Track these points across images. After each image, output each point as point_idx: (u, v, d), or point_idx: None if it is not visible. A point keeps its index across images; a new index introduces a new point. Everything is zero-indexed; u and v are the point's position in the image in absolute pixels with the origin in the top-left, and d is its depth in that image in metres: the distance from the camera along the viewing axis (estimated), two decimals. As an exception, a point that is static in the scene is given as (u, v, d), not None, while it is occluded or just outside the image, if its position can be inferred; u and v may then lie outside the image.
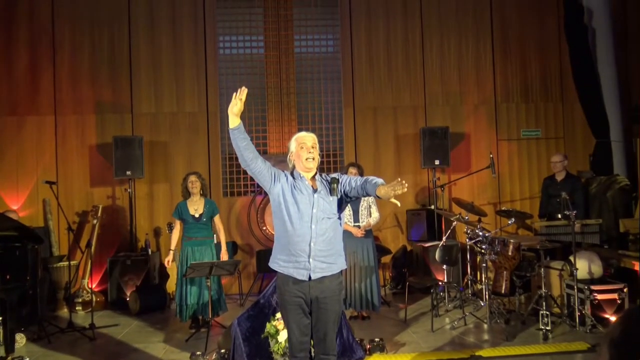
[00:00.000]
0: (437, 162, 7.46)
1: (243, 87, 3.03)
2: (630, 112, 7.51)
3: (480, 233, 5.76)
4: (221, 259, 5.58)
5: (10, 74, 7.57)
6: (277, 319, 4.27)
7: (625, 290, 5.29)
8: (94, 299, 6.57)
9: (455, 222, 6.14)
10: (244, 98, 3.02)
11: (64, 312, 6.58)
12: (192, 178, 5.78)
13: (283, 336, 4.14)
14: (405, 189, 2.80)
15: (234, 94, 3.01)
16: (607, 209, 6.84)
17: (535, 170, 8.06)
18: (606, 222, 6.66)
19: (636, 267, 5.45)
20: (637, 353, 0.91)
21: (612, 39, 7.47)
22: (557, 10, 8.10)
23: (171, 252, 5.74)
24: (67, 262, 6.53)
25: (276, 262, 3.17)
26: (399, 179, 2.82)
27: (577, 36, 7.40)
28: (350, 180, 3.14)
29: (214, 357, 4.56)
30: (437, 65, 8.14)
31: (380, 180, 3.00)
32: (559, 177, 6.65)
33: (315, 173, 3.22)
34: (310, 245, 3.04)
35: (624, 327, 0.98)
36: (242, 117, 8.31)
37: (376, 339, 4.81)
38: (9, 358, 4.61)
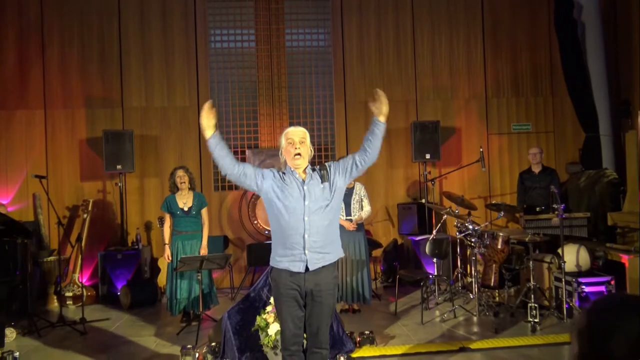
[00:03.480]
0: (428, 156, 7.49)
1: (208, 102, 3.05)
2: (619, 106, 7.57)
3: (470, 226, 5.80)
4: (200, 254, 5.56)
5: (-1, 67, 7.51)
6: (268, 312, 4.29)
7: (612, 282, 5.36)
8: (85, 293, 6.55)
9: (445, 216, 6.18)
10: (209, 111, 3.02)
11: (55, 306, 6.57)
12: (180, 173, 5.76)
13: (273, 329, 4.16)
14: (382, 93, 3.06)
15: (209, 108, 3.02)
16: (596, 203, 6.91)
17: (526, 165, 8.06)
18: (595, 216, 6.73)
19: (623, 260, 5.50)
20: (602, 341, 0.94)
21: (601, 34, 7.52)
22: (547, 4, 8.13)
23: (166, 246, 5.72)
24: (58, 257, 6.52)
25: (274, 259, 3.17)
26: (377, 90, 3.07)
27: (566, 31, 7.44)
28: (347, 160, 3.16)
29: (204, 350, 4.57)
30: (429, 60, 8.16)
31: (370, 134, 3.10)
32: (536, 169, 6.76)
33: (308, 165, 3.22)
34: (304, 237, 3.04)
35: (589, 318, 1.00)
36: (234, 111, 8.26)
37: (366, 332, 4.83)
38: (-1, 352, 4.61)
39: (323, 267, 3.09)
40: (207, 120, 3.04)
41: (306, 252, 3.04)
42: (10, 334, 5.29)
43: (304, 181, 3.12)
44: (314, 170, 3.18)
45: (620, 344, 0.91)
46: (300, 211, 3.04)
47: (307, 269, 3.06)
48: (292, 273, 3.07)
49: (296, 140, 3.14)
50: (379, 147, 3.09)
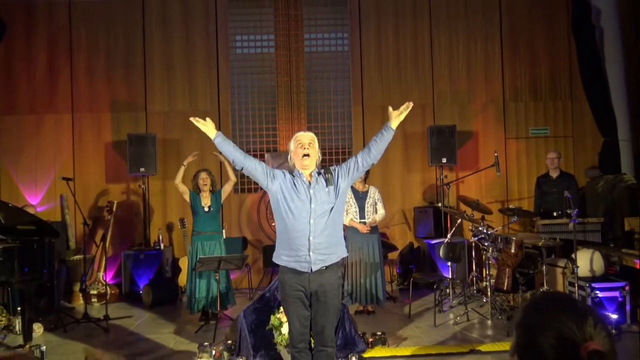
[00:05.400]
0: (444, 160, 7.54)
1: (192, 119, 3.34)
2: (638, 111, 7.51)
3: (485, 231, 5.85)
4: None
5: (30, 73, 7.83)
6: (281, 312, 4.42)
7: (627, 288, 5.34)
8: (109, 292, 6.79)
9: (459, 220, 6.23)
10: (200, 123, 3.32)
11: (80, 303, 6.81)
12: (203, 175, 5.97)
13: (287, 328, 4.28)
14: (410, 107, 3.30)
15: (196, 121, 3.32)
16: (613, 208, 6.87)
17: (543, 169, 8.05)
18: (612, 221, 6.70)
19: (638, 266, 5.48)
20: (532, 335, 1.05)
21: (619, 38, 7.46)
22: (566, 8, 8.10)
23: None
24: (83, 256, 6.77)
25: (279, 257, 3.32)
26: (407, 103, 3.31)
27: (584, 35, 7.42)
28: (349, 162, 3.34)
29: (221, 348, 4.72)
30: (446, 64, 8.21)
31: (378, 137, 3.32)
32: (554, 174, 6.77)
33: (314, 170, 3.36)
34: (309, 239, 3.18)
35: (524, 313, 1.11)
36: (253, 115, 8.42)
37: (378, 333, 4.92)
38: (27, 346, 4.83)
39: (327, 267, 3.22)
40: (204, 128, 3.31)
41: (311, 253, 3.18)
42: (38, 329, 5.53)
43: (310, 184, 3.26)
44: (319, 174, 3.32)
45: (547, 338, 1.02)
46: (306, 214, 3.18)
47: (311, 269, 3.19)
48: (298, 273, 3.21)
49: (305, 143, 3.30)
50: (382, 151, 3.26)
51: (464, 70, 8.22)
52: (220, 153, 3.38)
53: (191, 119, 3.33)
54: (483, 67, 8.23)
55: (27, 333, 5.07)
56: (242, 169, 3.33)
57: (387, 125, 3.31)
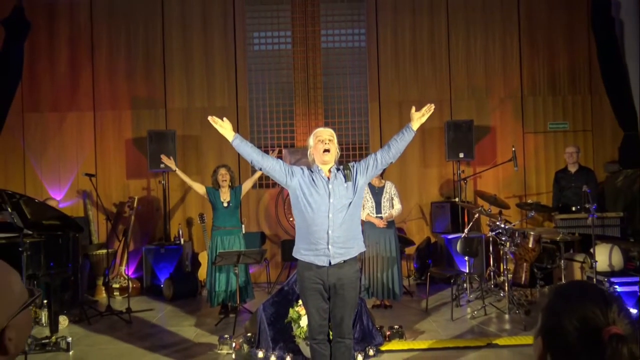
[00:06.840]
0: (461, 155, 7.53)
1: (210, 118, 3.42)
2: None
3: (502, 225, 5.85)
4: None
5: (52, 72, 7.99)
6: (300, 305, 4.48)
7: (646, 283, 5.31)
8: (131, 285, 6.93)
9: (476, 215, 6.24)
10: (218, 123, 3.41)
11: (103, 297, 6.97)
12: (223, 171, 6.05)
13: (305, 321, 4.35)
14: (432, 109, 3.38)
15: (214, 122, 3.41)
16: (633, 203, 6.82)
17: (562, 164, 8.01)
18: (631, 216, 6.65)
19: (657, 260, 5.45)
20: (557, 320, 1.09)
21: (640, 31, 7.39)
22: (586, 1, 8.02)
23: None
24: (105, 250, 6.92)
25: (299, 252, 3.38)
26: (429, 105, 3.39)
27: (604, 28, 7.34)
28: (368, 159, 3.39)
29: (241, 340, 4.82)
30: (463, 59, 8.19)
31: (399, 136, 3.38)
32: (572, 168, 6.74)
33: (333, 165, 3.41)
34: (328, 233, 3.24)
35: (550, 298, 1.16)
36: (271, 111, 8.49)
37: (395, 326, 4.97)
38: (53, 338, 4.98)
39: (345, 261, 3.28)
40: (222, 130, 3.41)
41: (329, 247, 3.24)
42: (63, 321, 5.69)
43: (329, 180, 3.31)
44: (338, 170, 3.37)
45: (571, 322, 1.07)
46: (325, 208, 3.24)
47: (330, 263, 3.25)
48: (316, 267, 3.27)
49: (325, 138, 3.36)
50: (401, 150, 3.32)
51: (482, 64, 8.18)
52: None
53: (209, 118, 3.40)
54: (501, 62, 8.18)
55: (53, 325, 5.22)
56: (260, 169, 3.40)
57: (408, 126, 3.38)
